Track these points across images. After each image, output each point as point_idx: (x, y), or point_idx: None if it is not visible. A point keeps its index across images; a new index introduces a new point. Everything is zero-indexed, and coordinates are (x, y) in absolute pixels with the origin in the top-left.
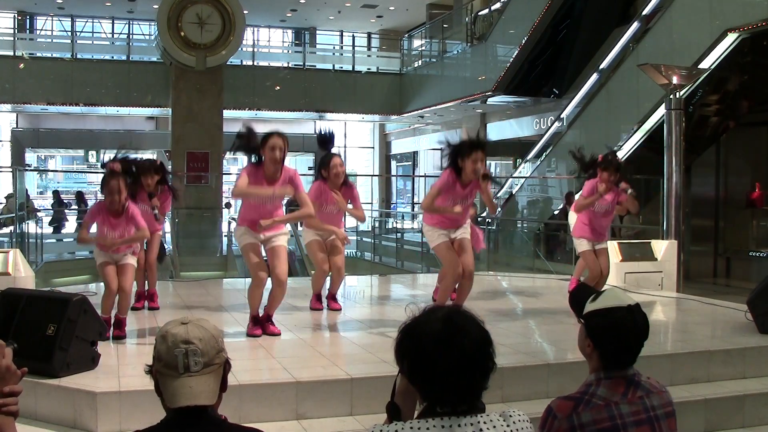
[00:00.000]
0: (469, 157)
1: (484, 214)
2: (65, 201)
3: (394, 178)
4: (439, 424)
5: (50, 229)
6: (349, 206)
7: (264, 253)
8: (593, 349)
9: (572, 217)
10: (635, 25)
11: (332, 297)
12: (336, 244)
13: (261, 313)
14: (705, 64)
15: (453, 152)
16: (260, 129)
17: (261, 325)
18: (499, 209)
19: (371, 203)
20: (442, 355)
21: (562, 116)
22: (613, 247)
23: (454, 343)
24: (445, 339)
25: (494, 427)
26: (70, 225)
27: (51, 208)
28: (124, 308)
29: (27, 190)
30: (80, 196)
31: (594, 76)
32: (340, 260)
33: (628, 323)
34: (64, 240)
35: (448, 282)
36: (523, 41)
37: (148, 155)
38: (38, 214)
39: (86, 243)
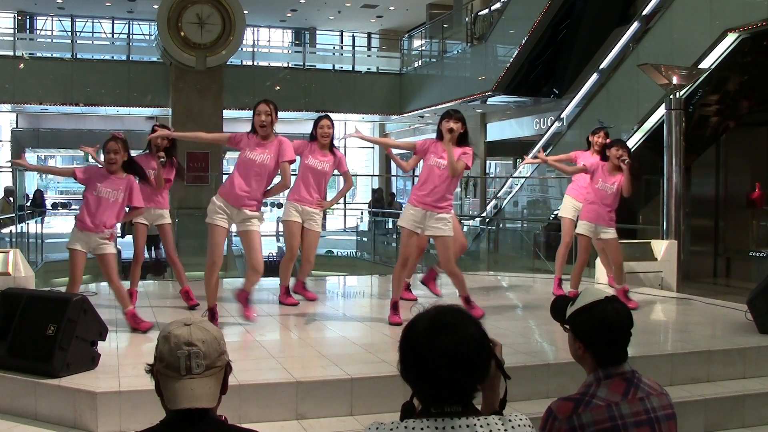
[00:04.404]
0: (442, 121)
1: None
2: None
3: (394, 178)
4: (433, 425)
5: (50, 229)
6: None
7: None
8: (585, 351)
9: (566, 201)
10: (635, 25)
11: (302, 286)
12: (311, 229)
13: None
14: (705, 64)
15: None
16: None
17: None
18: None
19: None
20: (428, 351)
21: (562, 116)
22: None
23: (439, 339)
24: (430, 334)
25: (491, 430)
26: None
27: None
28: (126, 302)
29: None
30: (40, 195)
31: (594, 76)
32: (312, 250)
33: (610, 313)
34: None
35: (399, 273)
36: (523, 41)
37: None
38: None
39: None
